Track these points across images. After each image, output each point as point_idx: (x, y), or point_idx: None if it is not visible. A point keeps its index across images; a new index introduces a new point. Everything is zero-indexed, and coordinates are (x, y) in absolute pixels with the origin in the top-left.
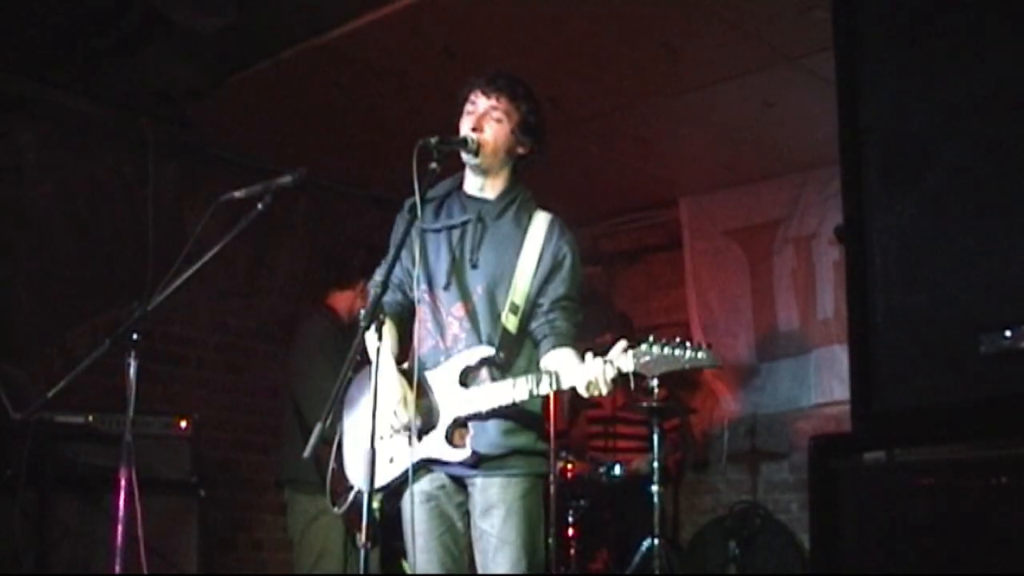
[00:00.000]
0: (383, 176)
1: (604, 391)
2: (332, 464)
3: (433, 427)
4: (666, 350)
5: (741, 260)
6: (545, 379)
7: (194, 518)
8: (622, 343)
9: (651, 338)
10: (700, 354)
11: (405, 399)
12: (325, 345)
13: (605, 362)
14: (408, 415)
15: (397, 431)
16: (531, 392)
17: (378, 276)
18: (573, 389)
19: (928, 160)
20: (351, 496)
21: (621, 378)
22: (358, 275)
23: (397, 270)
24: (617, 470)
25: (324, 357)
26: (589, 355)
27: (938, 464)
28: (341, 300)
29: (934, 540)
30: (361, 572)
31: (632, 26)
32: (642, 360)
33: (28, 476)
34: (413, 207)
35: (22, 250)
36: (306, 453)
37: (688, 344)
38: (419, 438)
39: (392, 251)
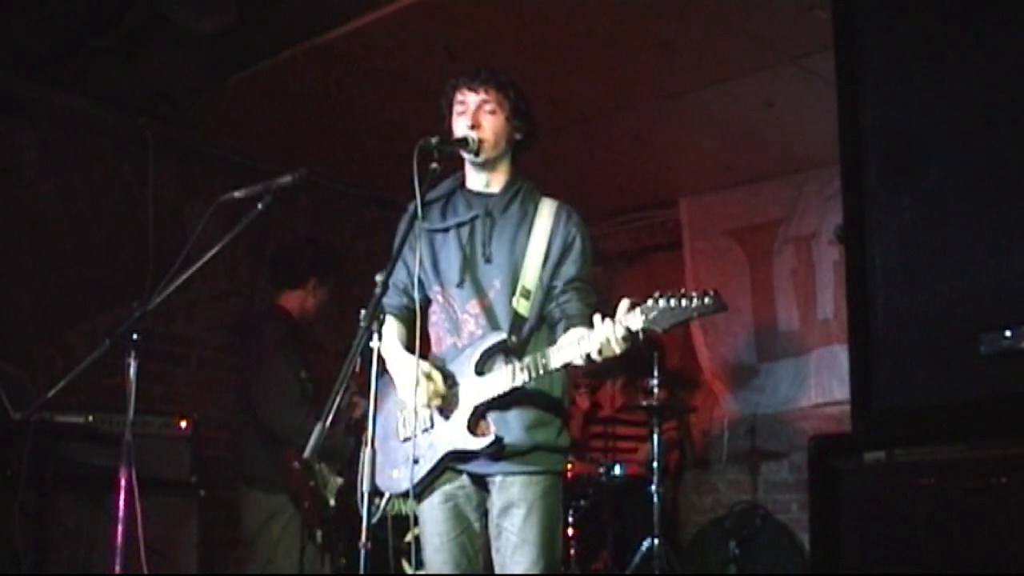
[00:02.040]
0: (383, 176)
1: (617, 351)
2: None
3: (449, 418)
4: (672, 302)
5: (741, 260)
6: (542, 358)
7: (194, 518)
8: (625, 302)
9: (656, 294)
10: (706, 300)
11: (430, 375)
12: (285, 348)
13: (614, 323)
14: (432, 391)
15: (429, 403)
16: (535, 371)
17: (379, 277)
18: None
19: (928, 160)
20: (383, 504)
21: (631, 335)
22: (308, 273)
23: (402, 273)
24: (617, 470)
25: (284, 360)
26: (597, 318)
27: (938, 464)
28: (292, 300)
29: (934, 540)
30: (361, 572)
31: (632, 26)
32: (650, 315)
33: (28, 476)
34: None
35: (22, 250)
36: (306, 454)
37: (693, 293)
38: (444, 419)
39: (394, 253)
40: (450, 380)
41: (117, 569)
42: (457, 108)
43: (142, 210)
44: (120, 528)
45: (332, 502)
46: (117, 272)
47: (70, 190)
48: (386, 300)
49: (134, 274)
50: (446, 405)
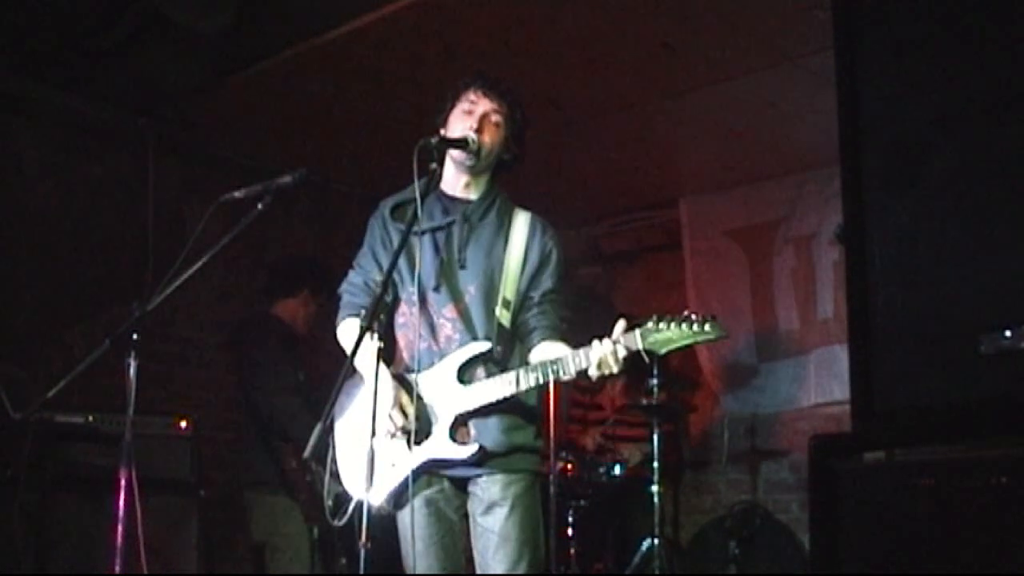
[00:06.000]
0: (383, 176)
1: (615, 369)
2: (328, 475)
3: (430, 431)
4: (672, 326)
5: (741, 260)
6: (546, 369)
7: (194, 518)
8: (622, 322)
9: (656, 316)
10: (707, 326)
11: (401, 404)
12: (285, 352)
13: (614, 342)
14: (403, 420)
15: (394, 435)
16: (535, 382)
17: (378, 276)
18: (581, 379)
19: (927, 160)
20: (351, 508)
21: (632, 356)
22: (302, 283)
23: (374, 273)
24: (617, 470)
25: (285, 364)
26: (596, 341)
27: (938, 464)
28: (286, 309)
29: (934, 540)
30: (361, 572)
31: (632, 26)
32: (649, 339)
33: (28, 476)
34: (394, 209)
35: (22, 250)
36: (306, 454)
37: (694, 318)
38: (417, 443)
39: (386, 253)
40: (422, 390)
41: (117, 569)
42: (463, 106)
43: (142, 210)
44: (120, 528)
45: (329, 503)
46: (117, 272)
47: (70, 190)
48: (355, 300)
49: (134, 274)
50: (419, 417)
